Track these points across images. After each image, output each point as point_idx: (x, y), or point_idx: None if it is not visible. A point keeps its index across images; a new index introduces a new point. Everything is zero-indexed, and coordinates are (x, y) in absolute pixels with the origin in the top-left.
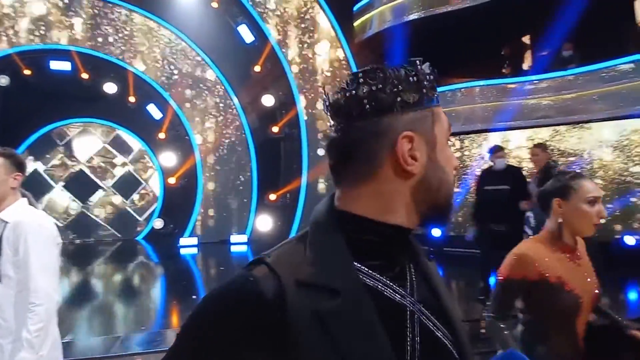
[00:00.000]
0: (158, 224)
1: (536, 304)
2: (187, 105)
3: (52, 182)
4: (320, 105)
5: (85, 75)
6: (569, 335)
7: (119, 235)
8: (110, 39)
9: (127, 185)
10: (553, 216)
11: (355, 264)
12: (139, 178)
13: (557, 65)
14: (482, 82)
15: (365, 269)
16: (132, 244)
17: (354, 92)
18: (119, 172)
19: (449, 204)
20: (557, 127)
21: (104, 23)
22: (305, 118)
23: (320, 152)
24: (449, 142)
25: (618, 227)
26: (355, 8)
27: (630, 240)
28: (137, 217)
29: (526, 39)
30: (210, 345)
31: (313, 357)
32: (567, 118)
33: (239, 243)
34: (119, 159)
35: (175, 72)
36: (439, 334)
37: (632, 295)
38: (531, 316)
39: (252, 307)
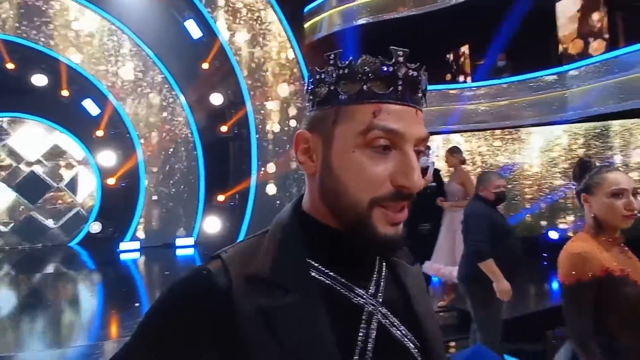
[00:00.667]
0: (95, 227)
1: (602, 302)
2: (129, 101)
3: None
4: (270, 105)
5: (10, 66)
6: (637, 328)
7: (27, 243)
8: (42, 28)
9: (72, 186)
10: (587, 212)
11: (312, 262)
12: (68, 179)
13: (493, 74)
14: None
15: (323, 267)
16: (63, 250)
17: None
18: (67, 172)
19: (363, 230)
20: (493, 131)
21: (35, 9)
22: (255, 118)
23: (271, 153)
24: (369, 146)
25: (544, 223)
26: (305, 10)
27: (554, 235)
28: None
29: (466, 49)
30: (163, 336)
31: (255, 352)
32: (501, 123)
33: (185, 246)
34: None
35: (116, 66)
36: (401, 339)
37: (555, 285)
38: (595, 317)
39: (203, 300)
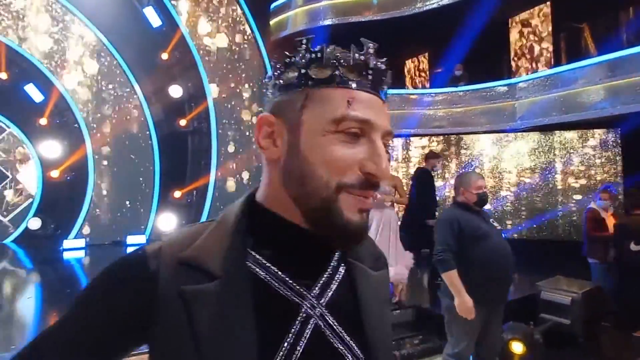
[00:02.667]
0: (34, 224)
1: None
2: (78, 89)
3: None
4: (233, 99)
5: None
6: None
7: None
8: None
9: None
10: None
11: (253, 253)
12: (3, 170)
13: (450, 82)
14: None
15: (264, 260)
16: None
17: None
18: None
19: (326, 212)
20: (450, 136)
21: None
22: (216, 112)
23: (231, 148)
24: (340, 132)
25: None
26: (272, 6)
27: None
28: (1, 216)
29: (426, 56)
30: (91, 313)
31: (171, 337)
32: (457, 129)
33: (136, 244)
34: None
35: (65, 51)
36: (338, 345)
37: None
38: None
39: (130, 281)
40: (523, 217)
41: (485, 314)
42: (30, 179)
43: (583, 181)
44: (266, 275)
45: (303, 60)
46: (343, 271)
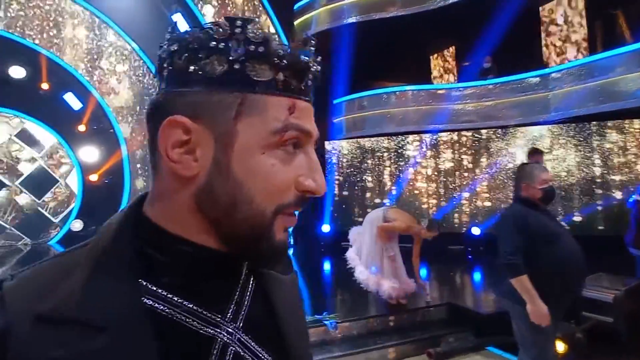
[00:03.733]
0: (77, 225)
1: None
2: (112, 96)
3: None
4: None
5: None
6: None
7: (27, 240)
8: (22, 18)
9: (38, 183)
10: None
11: (148, 285)
12: (53, 175)
13: (479, 75)
14: (414, 87)
15: (162, 292)
16: (43, 249)
17: (164, 46)
18: (27, 168)
19: (257, 241)
20: (479, 131)
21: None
22: None
23: None
24: (281, 147)
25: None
26: (296, 7)
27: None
28: (51, 218)
29: (453, 50)
30: None
31: None
32: (487, 123)
33: None
34: (27, 152)
35: (100, 60)
36: None
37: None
38: None
39: None
40: (560, 212)
41: (556, 317)
42: (71, 183)
43: (623, 173)
44: (169, 309)
45: (238, 51)
46: (253, 283)
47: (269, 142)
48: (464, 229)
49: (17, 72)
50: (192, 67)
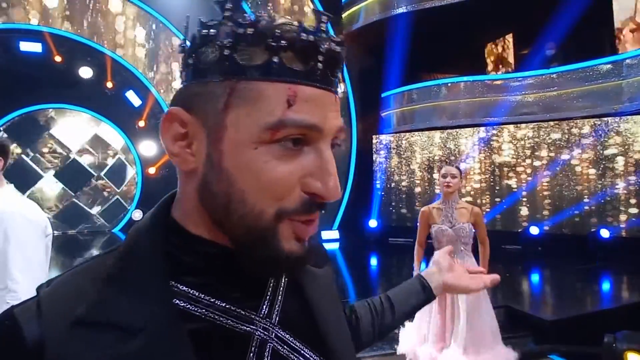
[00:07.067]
0: (137, 215)
1: None
2: (169, 93)
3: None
4: None
5: (58, 58)
6: None
7: (72, 229)
8: (87, 21)
9: (114, 175)
10: None
11: (179, 286)
12: (128, 167)
13: (540, 64)
14: (467, 78)
15: (194, 292)
16: (109, 237)
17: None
18: (110, 161)
19: (259, 246)
20: (540, 123)
21: (82, 4)
22: None
23: None
24: (276, 142)
25: (594, 220)
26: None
27: (605, 233)
28: (126, 205)
29: (510, 37)
30: None
31: None
32: (550, 115)
33: None
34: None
35: (157, 58)
36: None
37: (607, 286)
38: None
39: None
40: (634, 211)
41: None
42: (132, 175)
43: None
44: (202, 309)
45: (228, 36)
46: (286, 278)
47: (262, 138)
48: (521, 228)
49: (85, 72)
50: (189, 60)
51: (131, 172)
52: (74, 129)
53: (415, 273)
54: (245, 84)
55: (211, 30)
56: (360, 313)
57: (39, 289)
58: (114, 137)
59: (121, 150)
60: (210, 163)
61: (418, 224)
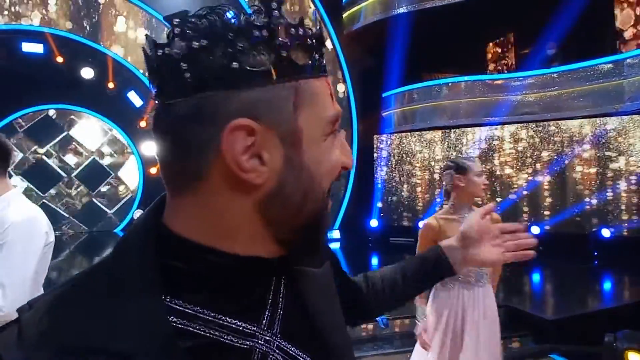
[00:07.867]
0: (138, 215)
1: None
2: None
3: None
4: None
5: (60, 59)
6: None
7: (86, 228)
8: (88, 22)
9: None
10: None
11: (174, 302)
12: (108, 169)
13: (541, 63)
14: (468, 78)
15: (191, 308)
16: (107, 237)
17: (167, 48)
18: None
19: (318, 225)
20: (541, 123)
21: (83, 5)
22: None
23: None
24: (334, 132)
25: (595, 220)
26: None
27: (606, 232)
28: (107, 210)
29: (511, 37)
30: None
31: None
32: (551, 114)
33: None
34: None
35: None
36: None
37: (608, 285)
38: None
39: None
40: (635, 211)
41: None
42: (132, 175)
43: None
44: (199, 325)
45: (286, 39)
46: (284, 286)
47: (327, 131)
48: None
49: (87, 73)
50: (235, 63)
51: (133, 172)
52: (81, 130)
53: (419, 311)
54: (304, 83)
55: (264, 32)
56: (373, 281)
57: (20, 311)
58: (116, 137)
59: (123, 151)
60: (291, 166)
61: (419, 239)
